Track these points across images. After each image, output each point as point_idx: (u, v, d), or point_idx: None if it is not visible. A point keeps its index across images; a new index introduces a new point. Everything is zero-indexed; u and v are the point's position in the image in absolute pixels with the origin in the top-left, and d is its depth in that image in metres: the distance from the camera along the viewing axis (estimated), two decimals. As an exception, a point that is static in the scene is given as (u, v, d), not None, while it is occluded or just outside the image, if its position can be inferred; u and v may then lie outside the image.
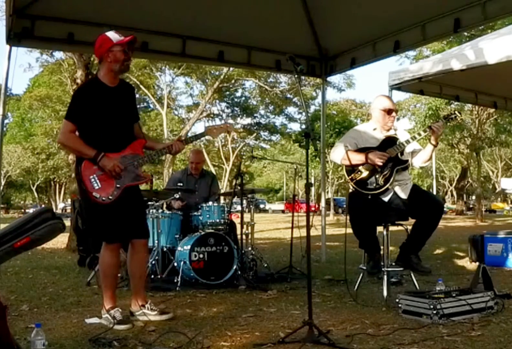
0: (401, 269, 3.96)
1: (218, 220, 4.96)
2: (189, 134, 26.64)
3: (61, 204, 39.05)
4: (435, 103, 19.00)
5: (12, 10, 4.59)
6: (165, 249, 5.01)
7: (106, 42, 3.20)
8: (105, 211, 3.17)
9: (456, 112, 3.89)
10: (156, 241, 4.90)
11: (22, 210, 44.25)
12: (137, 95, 28.41)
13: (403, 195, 3.86)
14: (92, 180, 3.14)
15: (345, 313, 3.42)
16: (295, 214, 5.54)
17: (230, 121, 27.91)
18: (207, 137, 3.63)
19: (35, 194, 46.79)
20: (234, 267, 4.68)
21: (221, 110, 27.52)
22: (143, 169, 3.45)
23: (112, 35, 3.22)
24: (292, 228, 5.56)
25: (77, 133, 3.21)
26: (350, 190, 3.93)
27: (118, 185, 3.18)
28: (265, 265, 5.32)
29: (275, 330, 2.97)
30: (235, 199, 5.33)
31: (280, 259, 6.80)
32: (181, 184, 5.56)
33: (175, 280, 4.48)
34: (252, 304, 3.79)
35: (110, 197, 3.15)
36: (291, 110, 27.80)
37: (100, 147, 3.16)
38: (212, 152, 35.66)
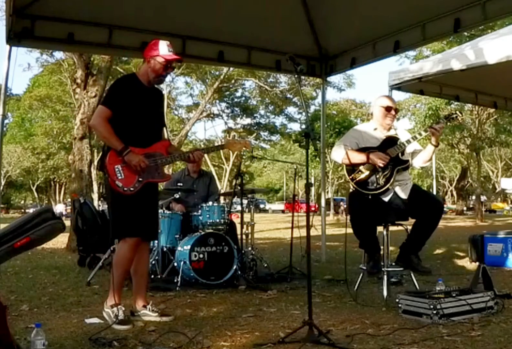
0: (401, 269, 3.95)
1: (218, 220, 4.97)
2: (189, 134, 26.65)
3: (60, 205, 37.83)
4: (435, 103, 19.01)
5: (12, 10, 4.59)
6: (165, 249, 5.01)
7: (155, 49, 3.30)
8: (126, 202, 3.19)
9: (457, 112, 3.89)
10: (156, 241, 4.90)
11: (22, 210, 44.27)
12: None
13: (403, 195, 3.86)
14: (117, 169, 3.18)
15: (345, 313, 3.42)
16: (295, 214, 5.54)
17: (228, 125, 27.89)
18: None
19: (35, 194, 46.80)
20: (234, 267, 4.68)
21: (221, 110, 27.55)
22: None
23: (163, 45, 3.30)
24: (292, 228, 5.56)
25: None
26: (351, 190, 3.93)
27: (140, 179, 3.22)
28: (265, 265, 5.32)
29: (275, 330, 2.97)
30: (235, 199, 5.33)
31: (280, 259, 6.80)
32: (181, 184, 5.57)
33: (175, 280, 4.48)
34: (252, 304, 3.79)
35: (131, 189, 3.19)
36: (291, 110, 27.86)
37: (129, 140, 3.20)
38: (212, 152, 35.64)
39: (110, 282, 3.28)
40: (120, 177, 3.18)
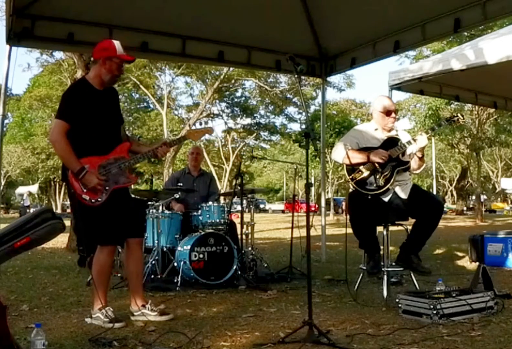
0: (401, 269, 3.95)
1: (218, 220, 4.96)
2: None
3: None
4: (435, 103, 19.01)
5: (12, 10, 4.59)
6: (165, 249, 5.00)
7: (110, 49, 3.23)
8: (96, 213, 3.18)
9: (459, 114, 3.88)
10: (156, 241, 4.90)
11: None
12: (137, 95, 28.36)
13: (403, 195, 3.86)
14: (81, 182, 3.14)
15: (345, 313, 3.42)
16: (295, 214, 5.54)
17: (228, 125, 27.91)
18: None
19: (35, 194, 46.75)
20: (234, 267, 4.68)
21: (221, 110, 27.53)
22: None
23: (118, 46, 3.25)
24: (292, 228, 5.56)
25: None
26: (350, 190, 3.93)
27: (106, 188, 3.19)
28: (265, 265, 5.32)
29: (275, 330, 2.97)
30: (235, 199, 5.33)
31: (280, 259, 6.80)
32: (181, 184, 5.57)
33: (175, 280, 4.48)
34: (252, 304, 3.79)
35: (99, 199, 3.17)
36: (291, 110, 27.83)
37: (88, 149, 3.17)
38: (212, 152, 35.67)
39: (95, 287, 3.27)
40: (85, 190, 3.14)
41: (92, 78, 3.27)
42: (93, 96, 3.23)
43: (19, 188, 25.02)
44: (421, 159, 3.88)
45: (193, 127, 21.97)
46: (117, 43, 3.26)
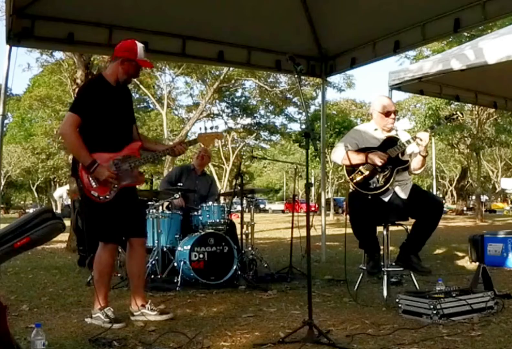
0: (401, 269, 3.95)
1: (218, 220, 4.97)
2: (189, 134, 26.71)
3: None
4: (435, 103, 19.01)
5: (12, 10, 4.59)
6: (165, 249, 5.01)
7: (132, 52, 3.25)
8: (103, 210, 3.20)
9: (458, 112, 3.88)
10: (156, 241, 4.90)
11: (22, 210, 44.24)
12: (137, 95, 28.35)
13: (403, 195, 3.86)
14: (90, 178, 3.15)
15: (345, 313, 3.42)
16: (295, 214, 5.54)
17: (228, 125, 27.94)
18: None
19: (35, 194, 46.77)
20: (234, 267, 4.68)
21: (221, 110, 27.54)
22: (142, 169, 3.46)
23: (140, 50, 3.28)
24: (292, 228, 5.56)
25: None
26: (350, 190, 3.93)
27: (115, 185, 3.20)
28: (265, 265, 5.32)
29: (275, 330, 2.97)
30: (235, 199, 5.33)
31: (280, 259, 6.80)
32: (181, 184, 5.57)
33: (175, 280, 4.48)
34: (252, 304, 3.79)
35: (107, 196, 3.18)
36: (291, 110, 27.86)
37: (100, 145, 3.18)
38: (212, 152, 35.65)
39: (95, 287, 3.27)
40: (95, 186, 3.16)
41: (109, 75, 3.30)
42: (109, 93, 3.25)
43: (57, 190, 25.16)
44: (424, 158, 3.88)
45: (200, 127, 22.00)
46: (140, 47, 3.27)
